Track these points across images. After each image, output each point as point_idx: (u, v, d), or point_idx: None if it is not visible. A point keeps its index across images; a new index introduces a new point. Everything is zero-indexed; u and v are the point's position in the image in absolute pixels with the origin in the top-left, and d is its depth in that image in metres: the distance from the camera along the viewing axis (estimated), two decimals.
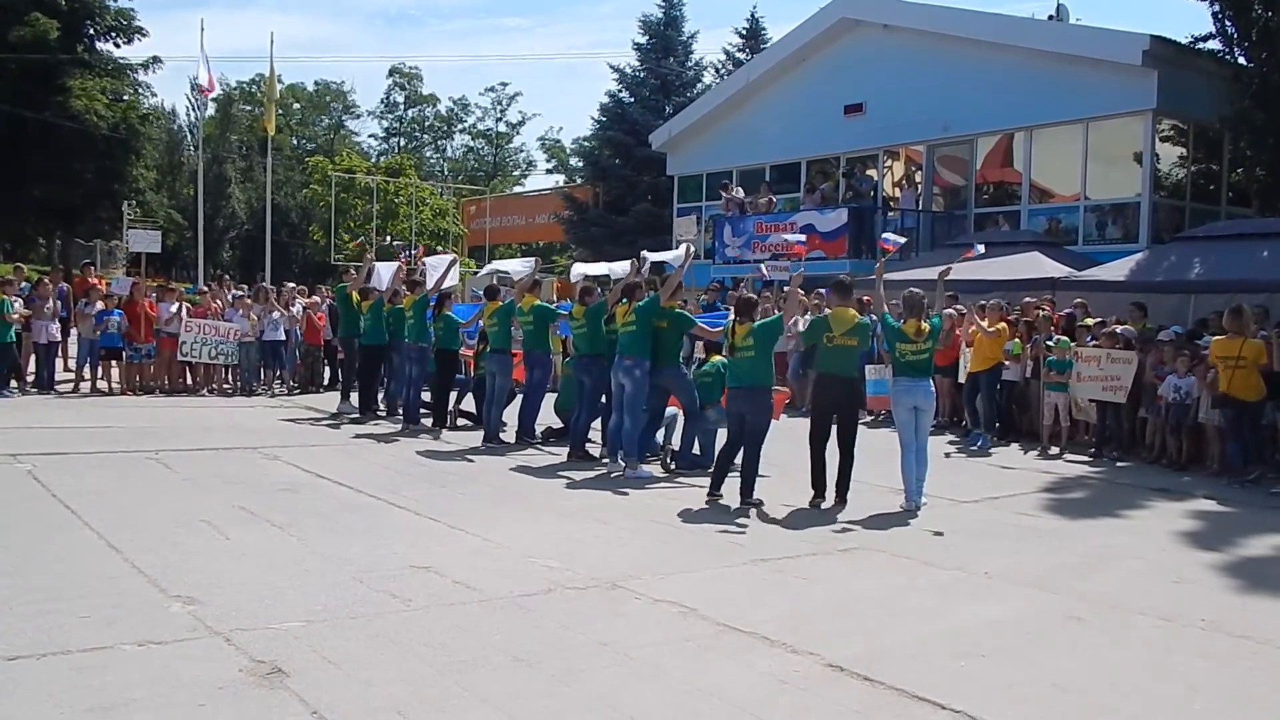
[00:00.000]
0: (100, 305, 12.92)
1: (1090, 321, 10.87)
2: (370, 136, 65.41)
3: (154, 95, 43.10)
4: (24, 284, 13.56)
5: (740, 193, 19.34)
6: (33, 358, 12.82)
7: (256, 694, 3.48)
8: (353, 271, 13.32)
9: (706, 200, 21.46)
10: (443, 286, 11.31)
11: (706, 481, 7.50)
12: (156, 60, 34.14)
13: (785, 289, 14.47)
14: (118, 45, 33.49)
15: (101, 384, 13.10)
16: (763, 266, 12.82)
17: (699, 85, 29.42)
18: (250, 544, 5.55)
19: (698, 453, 8.39)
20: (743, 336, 7.23)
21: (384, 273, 12.44)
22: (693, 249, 9.81)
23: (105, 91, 31.74)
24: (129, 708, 3.32)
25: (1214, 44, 14.13)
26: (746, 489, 7.18)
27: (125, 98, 33.30)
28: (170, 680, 3.57)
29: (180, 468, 7.78)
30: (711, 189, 21.12)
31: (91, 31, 32.74)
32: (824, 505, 7.23)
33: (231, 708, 3.37)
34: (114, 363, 13.19)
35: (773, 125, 20.09)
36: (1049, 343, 10.57)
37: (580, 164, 42.03)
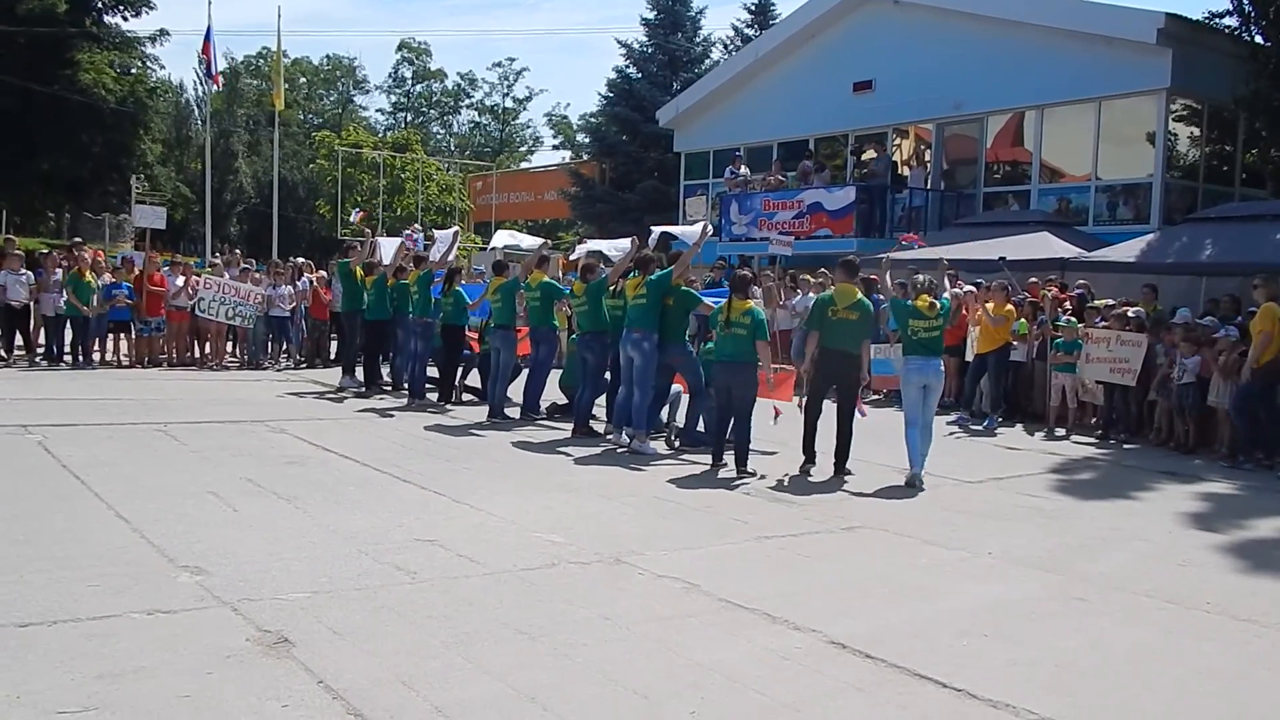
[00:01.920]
0: (106, 278, 12.96)
1: (1100, 303, 10.80)
2: (378, 111, 65.16)
3: (161, 68, 42.83)
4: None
5: (747, 171, 19.23)
6: (42, 330, 12.89)
7: (263, 663, 3.52)
8: (357, 246, 13.29)
9: (714, 177, 21.34)
10: (448, 260, 11.31)
11: (710, 458, 7.63)
12: (164, 33, 33.92)
13: (785, 268, 14.50)
14: (125, 18, 33.26)
15: (110, 356, 13.16)
16: (771, 238, 12.79)
17: (707, 61, 29.09)
18: (257, 516, 5.59)
19: (701, 430, 8.39)
20: (739, 314, 7.32)
21: (387, 248, 12.41)
22: (710, 228, 9.82)
23: (113, 65, 31.58)
24: (137, 675, 3.36)
25: (1230, 21, 13.94)
26: (741, 459, 7.38)
27: (133, 71, 33.14)
28: (178, 649, 3.60)
29: (188, 440, 7.82)
30: (719, 166, 20.99)
31: (99, 4, 32.53)
32: (812, 474, 7.36)
33: (238, 676, 3.40)
34: (123, 336, 13.25)
35: (781, 102, 19.93)
36: (1057, 323, 10.53)
37: (587, 140, 41.75)
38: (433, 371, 11.07)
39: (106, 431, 8.04)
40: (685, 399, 8.71)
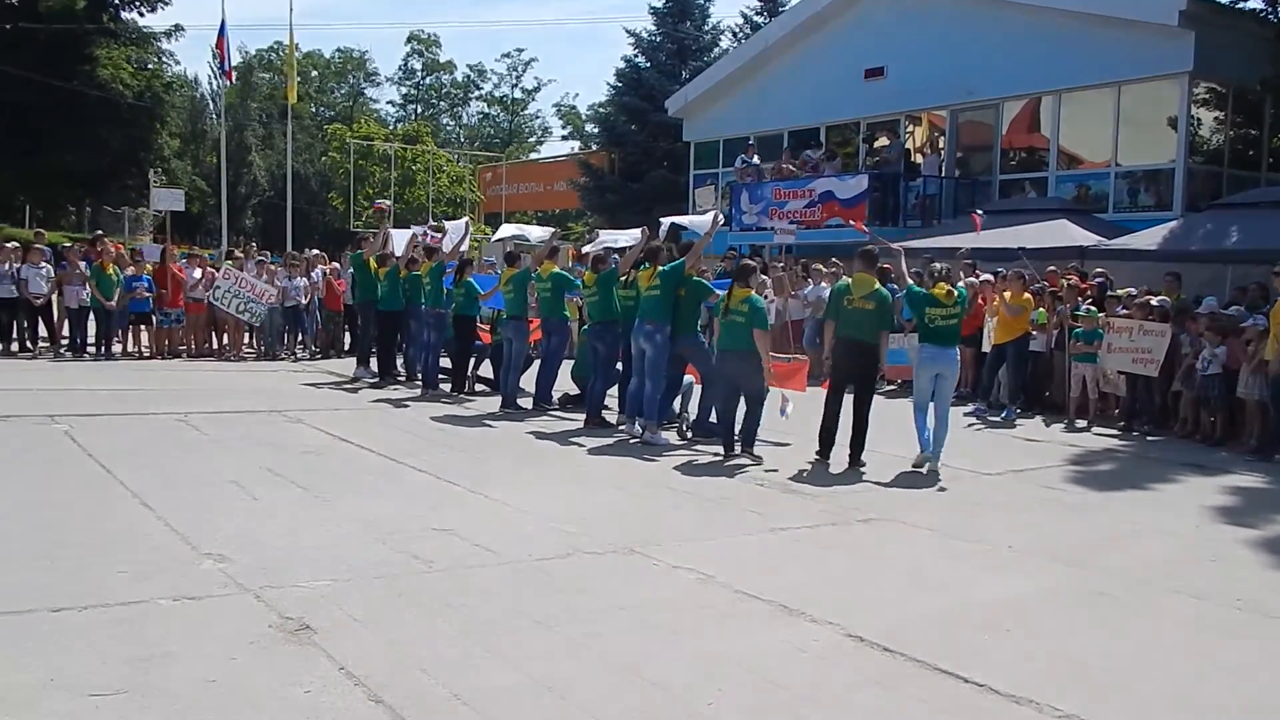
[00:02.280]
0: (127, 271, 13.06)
1: (1122, 292, 10.65)
2: (388, 104, 65.14)
3: (177, 63, 43.02)
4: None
5: (757, 159, 19.14)
6: (65, 322, 13.01)
7: (286, 649, 3.57)
8: (370, 238, 13.32)
9: (723, 166, 21.20)
10: (460, 251, 11.33)
11: (722, 449, 7.62)
12: (179, 29, 34.17)
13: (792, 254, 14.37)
14: (141, 14, 33.52)
15: (131, 348, 13.28)
16: (774, 226, 12.72)
17: (716, 50, 28.87)
18: (277, 504, 5.64)
19: (714, 421, 8.37)
20: (738, 302, 7.42)
21: (398, 239, 12.45)
22: (721, 217, 9.81)
23: (130, 60, 31.86)
24: (165, 659, 3.42)
25: (1256, 2, 13.72)
26: (748, 439, 7.48)
27: (149, 66, 33.39)
28: (203, 634, 3.66)
29: (208, 429, 7.87)
30: (728, 155, 20.83)
31: (116, 1, 32.82)
32: (831, 467, 7.32)
33: (262, 662, 3.45)
34: (144, 327, 13.37)
35: (791, 90, 19.74)
36: (1077, 312, 10.39)
37: (596, 130, 41.61)
38: (445, 362, 11.09)
39: (130, 421, 8.12)
40: (697, 390, 8.71)
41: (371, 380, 11.38)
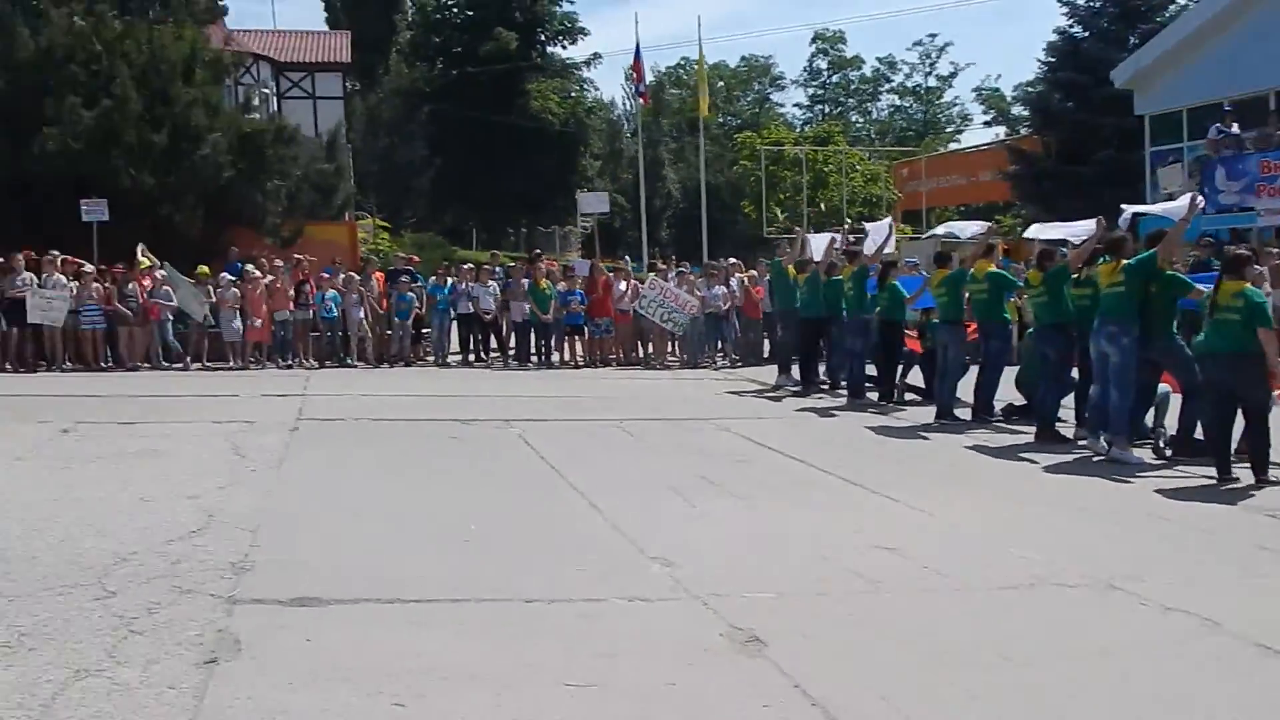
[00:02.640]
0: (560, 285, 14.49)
1: None
2: (795, 106, 65.91)
3: (595, 89, 47.95)
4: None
5: (1236, 128, 16.10)
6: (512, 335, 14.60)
7: (737, 660, 3.55)
8: (785, 246, 13.44)
9: (1189, 140, 18.23)
10: (884, 254, 10.96)
11: (1212, 471, 6.44)
12: (597, 57, 38.37)
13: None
14: (564, 47, 38.22)
15: (568, 357, 14.53)
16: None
17: (1172, 8, 25.34)
18: (713, 512, 5.73)
19: (1201, 438, 7.08)
20: (1230, 297, 6.33)
21: (815, 244, 12.35)
22: (1200, 200, 8.39)
23: (556, 91, 36.40)
24: (626, 657, 3.55)
25: None
26: (1259, 466, 6.35)
27: (572, 94, 37.82)
28: (658, 637, 3.76)
29: (642, 436, 8.32)
30: (1194, 126, 17.92)
31: (543, 38, 37.74)
32: None
33: (716, 670, 3.45)
34: (577, 338, 14.63)
35: (1277, 40, 16.30)
36: None
37: (1025, 112, 38.51)
38: (871, 370, 10.74)
39: (572, 426, 8.84)
40: (1176, 400, 7.44)
41: (794, 389, 11.34)
